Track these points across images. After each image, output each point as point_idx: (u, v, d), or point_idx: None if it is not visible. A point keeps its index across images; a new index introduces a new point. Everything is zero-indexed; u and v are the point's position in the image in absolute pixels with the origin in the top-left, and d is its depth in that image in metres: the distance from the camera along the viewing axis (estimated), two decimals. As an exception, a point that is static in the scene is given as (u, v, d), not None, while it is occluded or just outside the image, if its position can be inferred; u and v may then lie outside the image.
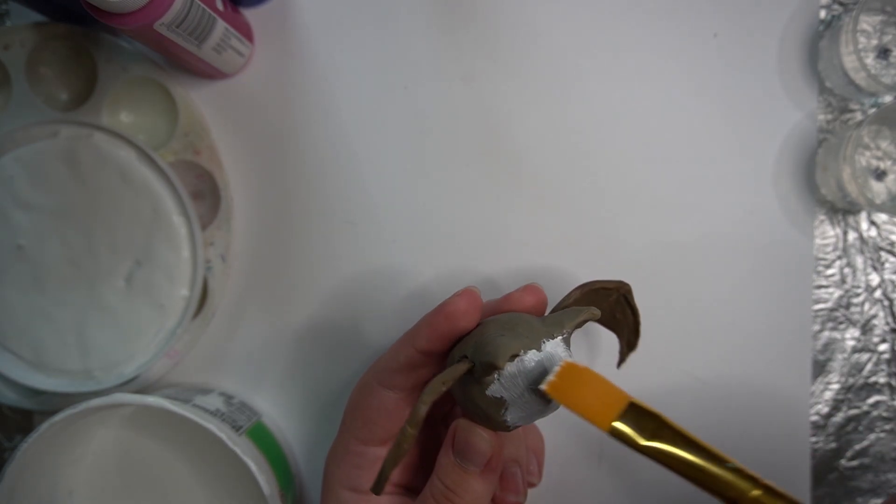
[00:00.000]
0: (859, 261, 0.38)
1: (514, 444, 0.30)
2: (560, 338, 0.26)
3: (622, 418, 0.24)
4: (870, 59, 0.37)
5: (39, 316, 0.37)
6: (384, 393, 0.29)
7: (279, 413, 0.39)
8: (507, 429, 0.26)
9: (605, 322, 0.32)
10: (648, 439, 0.24)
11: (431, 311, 0.28)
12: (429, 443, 0.31)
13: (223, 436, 0.32)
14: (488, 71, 0.38)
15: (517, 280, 0.38)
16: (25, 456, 0.32)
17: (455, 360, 0.27)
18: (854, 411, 0.38)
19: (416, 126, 0.39)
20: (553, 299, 0.39)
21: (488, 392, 0.25)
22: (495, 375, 0.25)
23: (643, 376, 0.38)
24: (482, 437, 0.26)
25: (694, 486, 0.23)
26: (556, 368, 0.25)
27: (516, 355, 0.25)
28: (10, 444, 0.40)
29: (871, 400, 0.38)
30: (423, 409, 0.25)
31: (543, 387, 0.24)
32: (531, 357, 0.25)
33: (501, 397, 0.25)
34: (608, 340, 0.26)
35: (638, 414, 0.24)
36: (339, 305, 0.39)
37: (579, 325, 0.27)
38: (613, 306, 0.31)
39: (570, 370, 0.25)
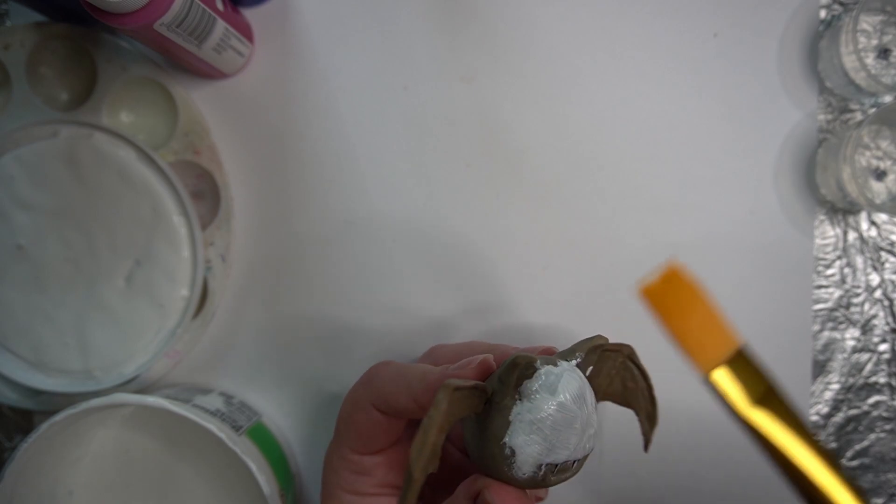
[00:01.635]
0: (859, 261, 0.38)
1: None
2: (574, 362, 0.25)
3: (727, 366, 0.18)
4: (870, 59, 0.37)
5: (39, 316, 0.37)
6: (377, 413, 0.28)
7: (279, 413, 0.39)
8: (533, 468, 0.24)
9: (616, 396, 0.27)
10: (752, 405, 0.17)
11: (438, 369, 0.26)
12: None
13: (223, 436, 0.32)
14: (488, 71, 0.38)
15: (517, 280, 0.38)
16: (25, 456, 0.32)
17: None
18: (854, 411, 0.38)
19: (416, 126, 0.38)
20: (553, 299, 0.39)
21: (511, 417, 0.23)
22: (516, 396, 0.24)
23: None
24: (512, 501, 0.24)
25: (783, 478, 0.18)
26: (659, 270, 0.18)
27: (536, 368, 0.24)
28: (10, 444, 0.40)
29: (871, 400, 0.38)
30: (420, 481, 0.23)
31: (638, 286, 0.19)
32: (549, 370, 0.24)
33: (522, 422, 0.23)
34: (626, 425, 0.24)
35: (745, 368, 0.18)
36: (339, 305, 0.39)
37: (592, 352, 0.26)
38: (622, 373, 0.27)
39: (674, 278, 0.18)
